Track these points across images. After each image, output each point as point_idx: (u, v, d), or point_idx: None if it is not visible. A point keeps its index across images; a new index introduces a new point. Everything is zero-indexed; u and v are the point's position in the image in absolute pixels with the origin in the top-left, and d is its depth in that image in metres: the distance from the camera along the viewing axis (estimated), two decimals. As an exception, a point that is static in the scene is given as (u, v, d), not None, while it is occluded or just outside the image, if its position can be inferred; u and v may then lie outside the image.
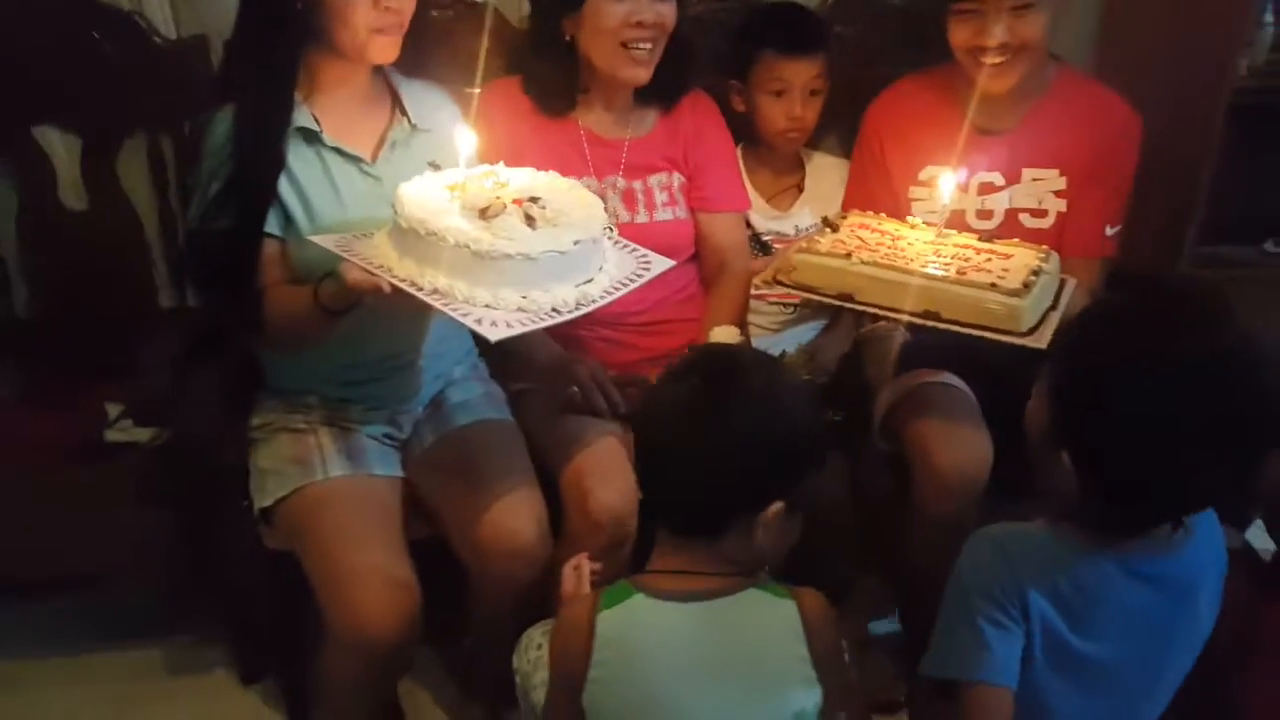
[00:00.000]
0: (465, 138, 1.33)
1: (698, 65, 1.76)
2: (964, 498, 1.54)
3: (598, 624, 1.10)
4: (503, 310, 1.20)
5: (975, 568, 1.09)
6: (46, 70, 1.72)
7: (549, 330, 1.63)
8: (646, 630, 1.10)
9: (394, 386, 1.52)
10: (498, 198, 1.27)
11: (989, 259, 1.47)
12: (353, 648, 1.31)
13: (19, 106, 1.74)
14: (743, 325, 1.79)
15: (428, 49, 1.67)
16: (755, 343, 1.84)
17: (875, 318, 1.53)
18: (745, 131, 1.89)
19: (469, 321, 1.18)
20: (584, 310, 1.27)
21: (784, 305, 1.91)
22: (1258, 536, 1.47)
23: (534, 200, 1.29)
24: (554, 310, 1.24)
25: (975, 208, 1.74)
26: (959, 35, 1.61)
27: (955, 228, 1.66)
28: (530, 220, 1.25)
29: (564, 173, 1.67)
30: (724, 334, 1.66)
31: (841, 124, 1.92)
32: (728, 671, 1.09)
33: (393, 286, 1.21)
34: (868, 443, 1.71)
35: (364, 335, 1.42)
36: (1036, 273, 1.42)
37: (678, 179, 1.75)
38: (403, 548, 1.39)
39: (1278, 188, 1.78)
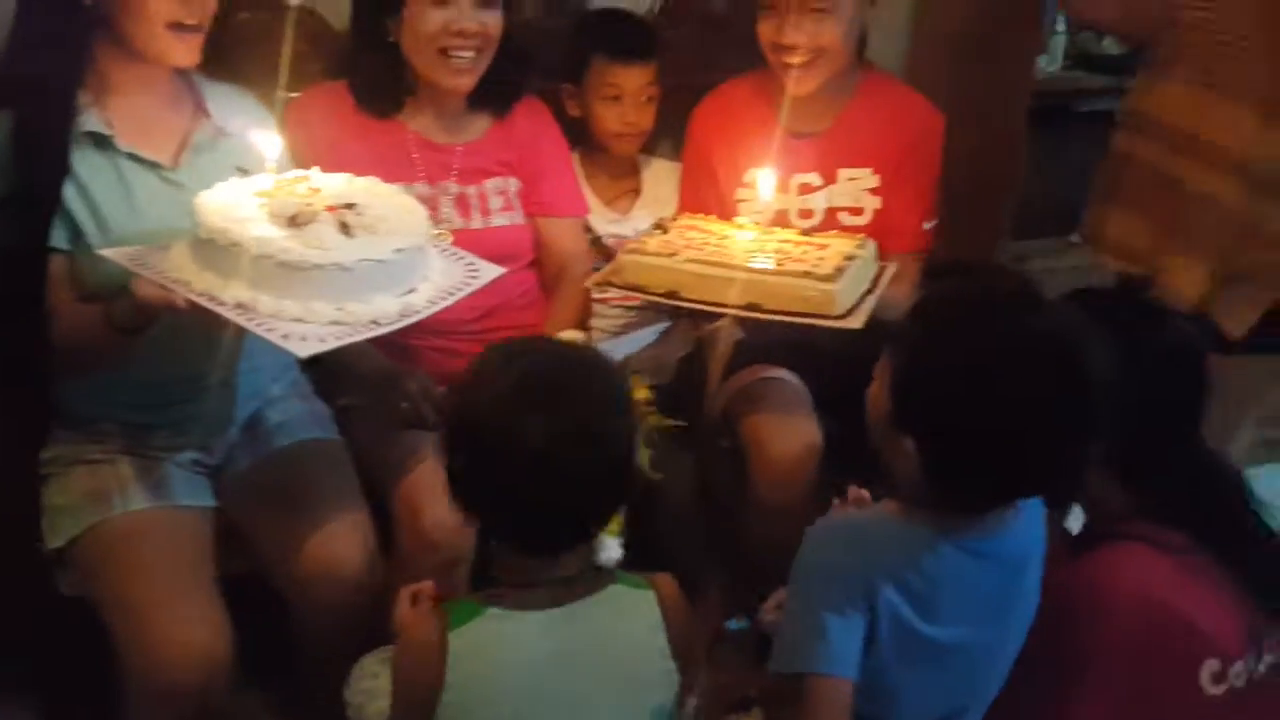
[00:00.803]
0: (270, 141, 1.26)
1: (530, 71, 1.73)
2: (797, 485, 1.61)
3: (449, 643, 1.03)
4: (315, 324, 1.13)
5: (817, 558, 1.09)
6: None
7: (376, 341, 1.59)
8: (503, 645, 1.04)
9: (202, 409, 1.42)
10: (309, 204, 1.19)
11: (806, 250, 1.52)
12: (155, 695, 1.21)
13: None
14: (585, 329, 1.78)
15: (239, 53, 1.60)
16: (598, 345, 1.83)
17: (710, 317, 1.55)
18: (581, 136, 1.87)
19: (274, 337, 1.11)
20: (408, 321, 1.21)
21: (625, 308, 1.91)
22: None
23: (350, 207, 1.22)
24: (374, 322, 1.18)
25: (797, 207, 1.78)
26: (763, 33, 1.66)
27: (780, 227, 1.71)
28: (346, 228, 1.18)
29: (392, 178, 1.60)
30: (570, 338, 1.63)
31: (675, 129, 1.92)
32: (593, 678, 1.05)
33: (189, 302, 1.13)
34: (711, 442, 1.74)
35: (164, 355, 1.32)
36: (850, 258, 1.48)
37: (514, 184, 1.71)
38: (210, 584, 1.29)
39: (1079, 185, 1.90)
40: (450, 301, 1.27)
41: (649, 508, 1.62)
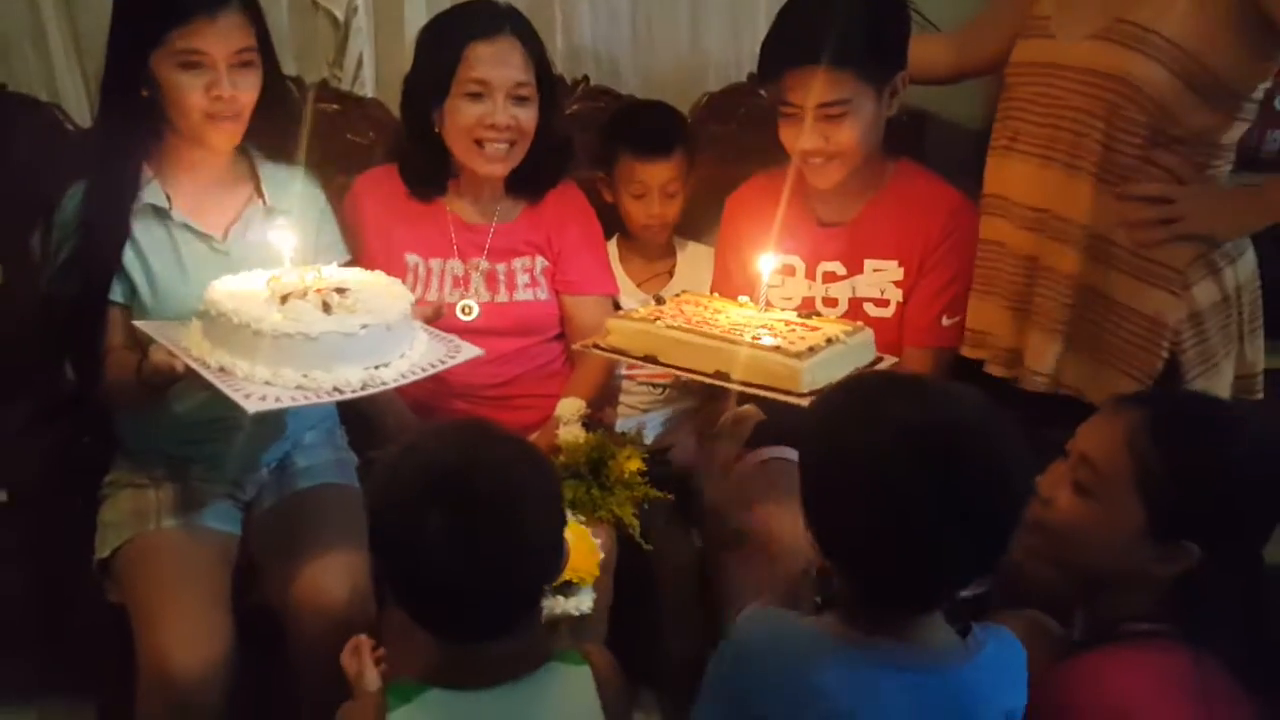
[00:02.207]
0: (285, 238, 1.45)
1: (568, 161, 1.89)
2: (796, 566, 1.53)
3: None
4: (279, 387, 1.29)
5: (726, 650, 1.10)
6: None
7: (407, 400, 1.76)
8: None
9: (235, 449, 1.61)
10: (303, 286, 1.38)
11: (794, 330, 1.55)
12: (158, 687, 1.37)
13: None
14: (600, 404, 1.88)
15: (317, 136, 1.81)
16: (621, 423, 1.92)
17: (745, 399, 1.59)
18: (619, 221, 2.00)
19: (237, 396, 1.27)
20: (370, 391, 1.35)
21: (652, 386, 2.00)
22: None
23: (340, 291, 1.40)
24: (336, 389, 1.32)
25: (821, 295, 1.82)
26: (783, 137, 1.72)
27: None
28: (326, 306, 1.36)
29: (431, 254, 1.81)
30: (569, 406, 1.74)
31: (715, 214, 2.00)
32: None
33: (186, 366, 1.32)
34: (717, 522, 1.75)
35: (200, 399, 1.51)
36: (830, 341, 1.50)
37: (540, 262, 1.86)
38: (221, 602, 1.47)
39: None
40: (417, 378, 1.40)
41: (641, 578, 1.68)
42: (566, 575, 1.40)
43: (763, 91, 1.80)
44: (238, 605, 1.51)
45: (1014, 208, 1.67)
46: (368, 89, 2.02)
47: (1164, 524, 1.15)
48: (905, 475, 0.98)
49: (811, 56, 1.60)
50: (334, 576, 1.48)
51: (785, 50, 1.65)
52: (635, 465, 1.64)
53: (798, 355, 1.44)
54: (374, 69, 2.02)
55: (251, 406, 1.26)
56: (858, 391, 1.11)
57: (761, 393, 1.46)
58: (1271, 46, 1.51)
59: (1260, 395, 1.70)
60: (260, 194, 1.64)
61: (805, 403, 1.43)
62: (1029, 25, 1.66)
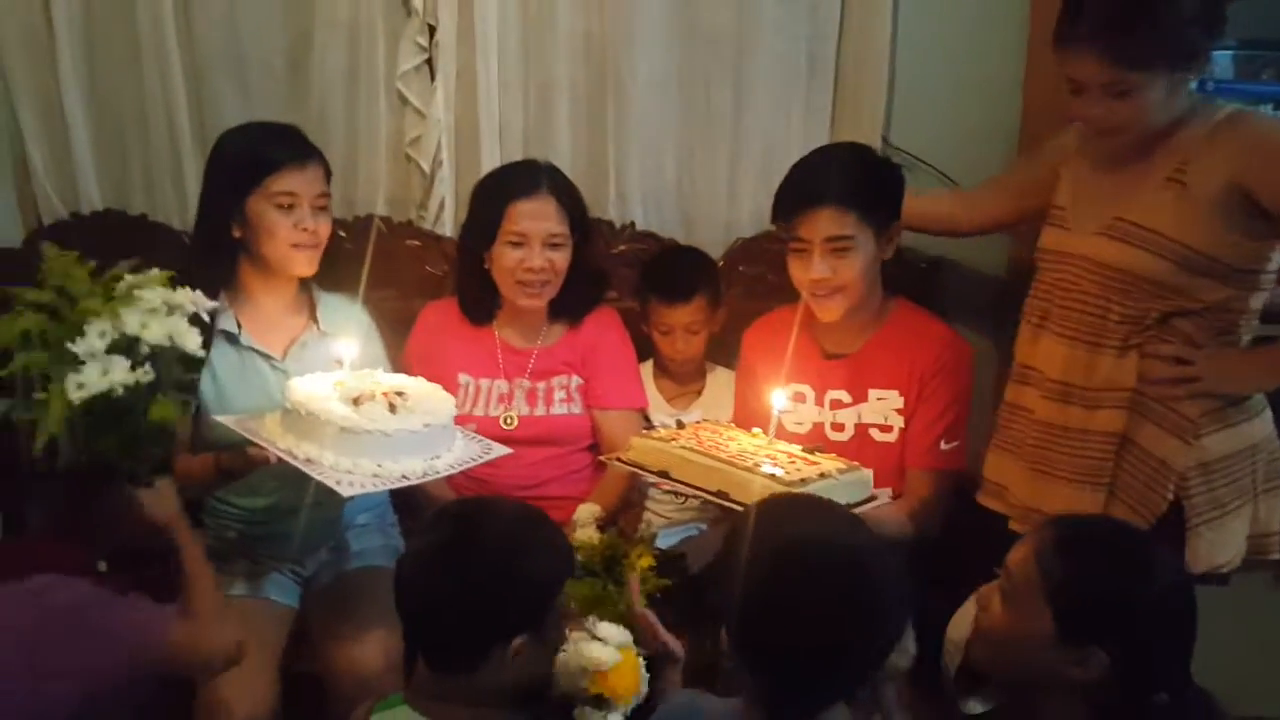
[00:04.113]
0: (348, 347, 1.73)
1: (603, 291, 2.16)
2: None
3: None
4: (360, 475, 1.53)
5: None
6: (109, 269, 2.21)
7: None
8: None
9: (298, 531, 1.86)
10: (370, 390, 1.65)
11: (794, 461, 1.71)
12: None
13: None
14: (622, 509, 2.08)
15: (394, 269, 2.16)
16: (660, 532, 2.05)
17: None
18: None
19: (329, 482, 1.50)
20: (429, 478, 1.60)
21: (675, 495, 2.17)
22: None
23: (400, 394, 1.67)
24: (404, 476, 1.57)
25: (829, 421, 1.99)
26: (793, 268, 1.89)
27: (816, 440, 1.94)
28: (392, 407, 1.62)
29: (480, 374, 2.07)
30: (585, 511, 1.92)
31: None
32: None
33: (277, 456, 1.58)
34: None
35: (266, 492, 1.80)
36: (824, 475, 1.65)
37: (575, 380, 2.10)
38: (272, 667, 1.70)
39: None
40: (464, 467, 1.67)
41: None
42: (604, 690, 1.47)
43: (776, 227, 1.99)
44: (290, 669, 1.73)
45: (1042, 379, 1.76)
46: (446, 229, 2.33)
47: (1069, 628, 1.28)
48: (800, 589, 1.15)
49: (821, 198, 1.82)
50: (371, 651, 1.70)
51: (798, 193, 1.86)
52: (646, 562, 1.78)
53: (790, 484, 1.60)
54: (454, 212, 2.32)
55: (345, 491, 1.50)
56: (763, 513, 1.26)
57: None
58: (1266, 227, 1.58)
59: (1277, 555, 1.75)
60: (315, 319, 1.92)
61: None
62: (1050, 214, 1.78)
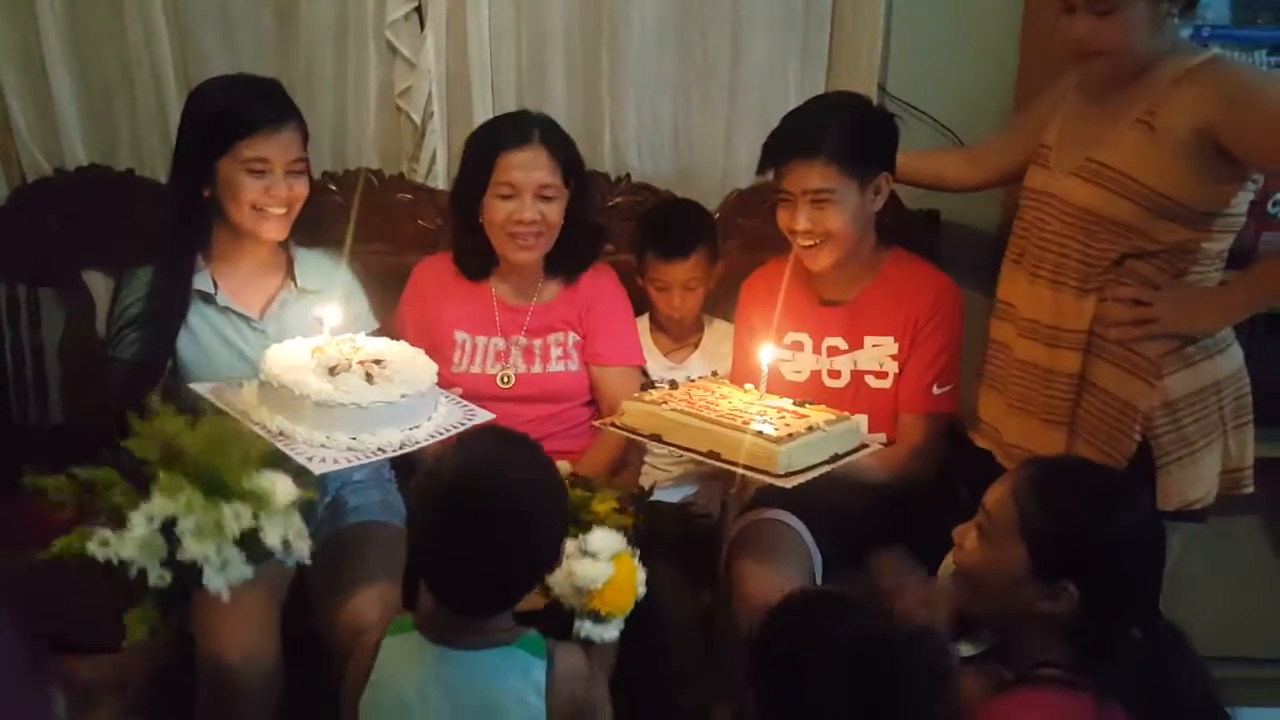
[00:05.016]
0: (331, 312, 1.70)
1: (599, 247, 2.14)
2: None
3: (381, 648, 1.37)
4: (333, 449, 1.51)
5: None
6: (96, 227, 2.23)
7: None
8: (411, 664, 1.34)
9: None
10: (346, 359, 1.63)
11: (784, 416, 1.73)
12: (214, 682, 1.57)
13: (73, 254, 2.25)
14: (618, 469, 2.08)
15: (386, 223, 2.15)
16: (659, 490, 2.09)
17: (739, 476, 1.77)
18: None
19: (301, 459, 1.48)
20: (407, 450, 1.58)
21: (677, 458, 2.18)
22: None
23: (378, 363, 1.64)
24: (380, 450, 1.54)
25: (826, 368, 2.00)
26: (780, 220, 1.92)
27: (812, 388, 1.98)
28: (369, 377, 1.60)
29: (477, 331, 2.06)
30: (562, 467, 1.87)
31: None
32: (465, 711, 1.33)
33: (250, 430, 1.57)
34: (718, 579, 1.93)
35: None
36: (811, 429, 1.68)
37: (572, 337, 2.09)
38: (272, 616, 1.68)
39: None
40: (444, 437, 1.63)
41: (650, 633, 1.74)
42: (599, 606, 1.50)
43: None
44: (293, 629, 1.74)
45: (1017, 316, 1.82)
46: (439, 182, 2.30)
47: (1043, 564, 1.33)
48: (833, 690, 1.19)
49: (802, 151, 1.84)
50: (369, 606, 1.68)
51: (782, 146, 1.88)
52: (608, 506, 1.75)
53: (778, 440, 1.63)
54: (446, 165, 2.30)
55: (317, 469, 1.49)
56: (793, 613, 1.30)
57: (745, 471, 1.64)
58: (1232, 172, 1.62)
59: (1250, 489, 1.79)
60: (292, 277, 1.90)
61: (784, 482, 1.61)
62: (1037, 153, 1.82)
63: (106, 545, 1.35)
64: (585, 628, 1.51)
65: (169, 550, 1.37)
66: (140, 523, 1.36)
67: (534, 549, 1.36)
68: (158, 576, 1.35)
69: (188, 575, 1.37)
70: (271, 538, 1.42)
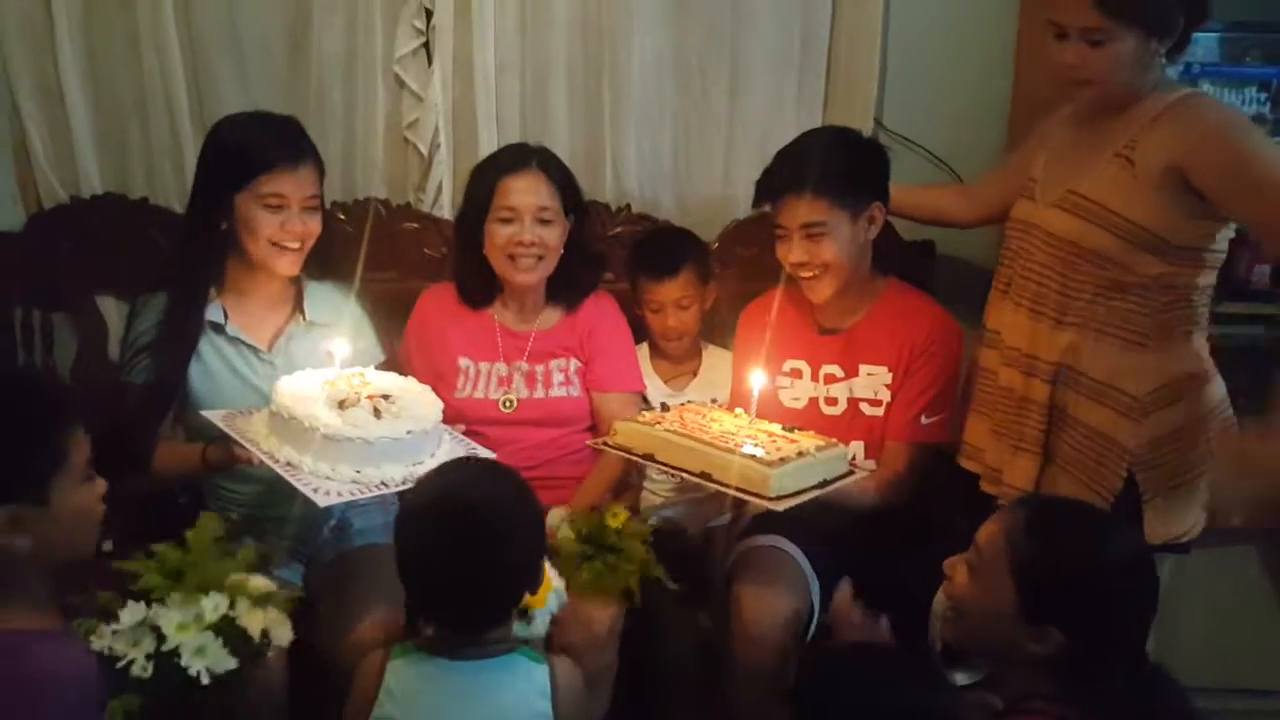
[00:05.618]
0: (340, 346, 1.75)
1: (599, 273, 2.20)
2: (767, 653, 1.79)
3: (386, 672, 1.42)
4: (338, 482, 1.56)
5: None
6: (109, 254, 2.28)
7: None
8: (418, 682, 1.39)
9: (296, 513, 1.88)
10: (356, 393, 1.67)
11: (775, 440, 1.77)
12: None
13: (87, 280, 2.30)
14: (619, 491, 2.11)
15: (392, 252, 2.20)
16: (660, 511, 2.15)
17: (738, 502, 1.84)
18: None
19: (306, 490, 1.53)
20: (409, 485, 1.60)
21: (671, 480, 2.22)
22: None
23: (386, 397, 1.68)
24: (383, 484, 1.58)
25: (823, 395, 2.05)
26: (778, 253, 1.96)
27: (810, 415, 2.02)
28: (377, 412, 1.64)
29: (480, 358, 2.10)
30: (554, 516, 1.87)
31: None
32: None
33: (261, 461, 1.62)
34: (714, 606, 1.97)
35: (254, 476, 1.82)
36: (802, 454, 1.72)
37: (574, 364, 2.14)
38: None
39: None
40: None
41: (649, 658, 1.85)
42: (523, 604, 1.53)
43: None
44: (296, 649, 1.74)
45: (1002, 344, 1.87)
46: (445, 211, 2.35)
47: (1030, 606, 1.35)
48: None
49: (792, 186, 1.90)
50: (370, 630, 1.72)
51: (774, 181, 1.94)
52: (622, 519, 1.76)
53: (769, 464, 1.66)
54: (451, 195, 2.34)
55: (321, 501, 1.54)
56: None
57: (736, 494, 1.68)
58: (1205, 209, 1.65)
59: (1237, 522, 1.80)
60: (301, 310, 1.95)
61: (776, 505, 1.65)
62: (1025, 185, 1.86)
63: (102, 637, 1.40)
64: (517, 628, 1.54)
65: (155, 645, 1.41)
66: (128, 618, 1.41)
67: (511, 557, 1.40)
68: (140, 668, 1.39)
69: (169, 668, 1.41)
70: (250, 624, 1.45)
